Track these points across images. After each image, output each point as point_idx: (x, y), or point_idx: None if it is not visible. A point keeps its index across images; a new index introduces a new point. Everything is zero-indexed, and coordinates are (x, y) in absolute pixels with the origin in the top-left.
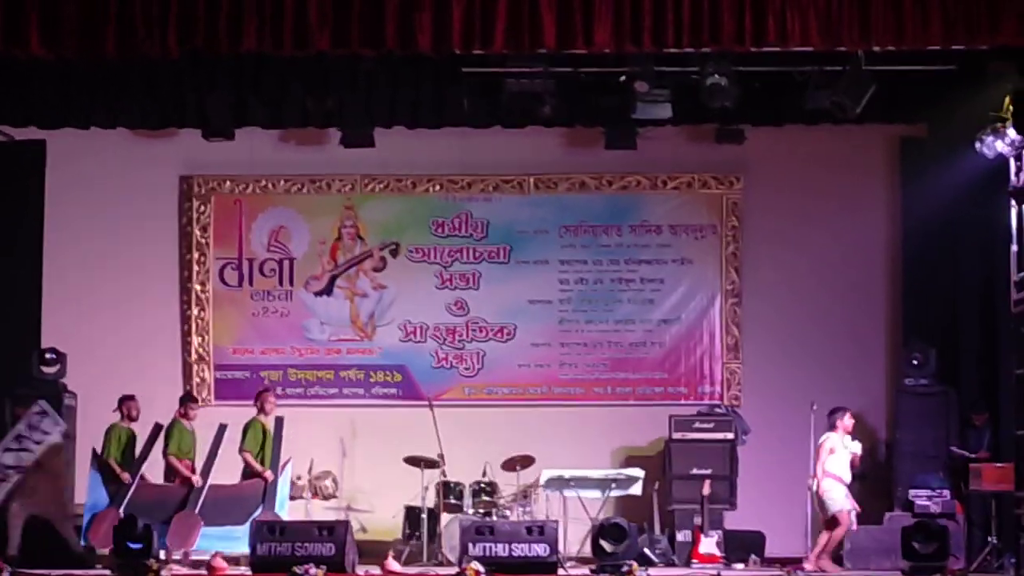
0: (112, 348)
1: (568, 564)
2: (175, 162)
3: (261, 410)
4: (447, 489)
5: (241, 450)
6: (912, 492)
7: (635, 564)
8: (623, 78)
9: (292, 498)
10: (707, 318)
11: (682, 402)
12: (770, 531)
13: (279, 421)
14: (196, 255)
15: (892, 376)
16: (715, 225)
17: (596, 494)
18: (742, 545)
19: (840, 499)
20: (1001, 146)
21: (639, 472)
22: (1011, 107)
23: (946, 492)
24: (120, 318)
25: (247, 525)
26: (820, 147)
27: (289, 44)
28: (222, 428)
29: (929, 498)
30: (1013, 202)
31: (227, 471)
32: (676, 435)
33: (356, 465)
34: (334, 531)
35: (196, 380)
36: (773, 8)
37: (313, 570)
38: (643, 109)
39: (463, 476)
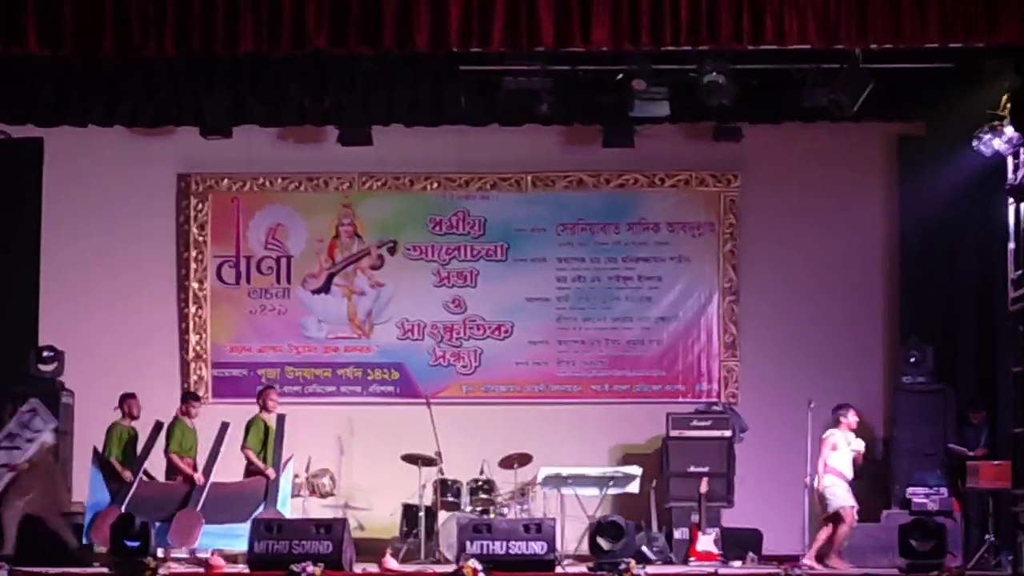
0: (109, 346)
1: (565, 562)
2: (172, 160)
3: (264, 408)
4: (445, 487)
5: (243, 448)
6: (910, 490)
7: (632, 562)
8: (621, 76)
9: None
10: (705, 316)
11: (680, 400)
12: (767, 529)
13: (281, 419)
14: (194, 253)
15: (890, 374)
16: (713, 223)
17: (594, 492)
18: (739, 543)
19: (843, 496)
20: (999, 144)
21: (636, 470)
22: (1008, 105)
23: (943, 490)
24: (117, 316)
25: (249, 523)
26: (818, 145)
27: (287, 43)
28: (224, 426)
29: (927, 496)
30: (1011, 200)
31: (229, 469)
32: (673, 433)
33: (354, 463)
34: (332, 529)
35: (193, 378)
36: (771, 6)
37: (311, 568)
38: (641, 107)
39: (461, 474)
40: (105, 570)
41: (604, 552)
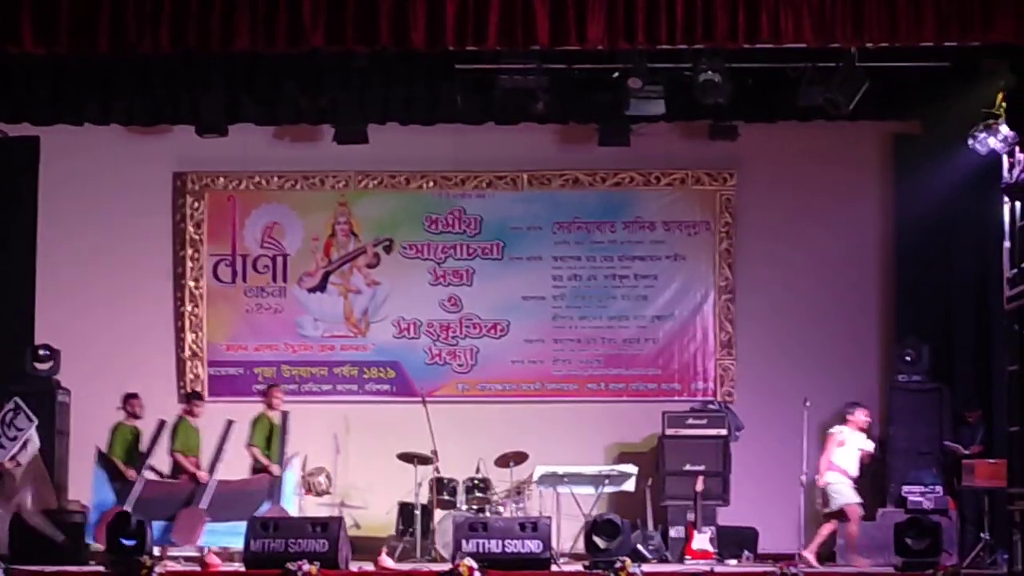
0: (106, 344)
1: (561, 560)
2: (168, 158)
3: (268, 405)
4: (440, 485)
5: (248, 445)
6: (905, 488)
7: (628, 560)
8: (616, 75)
9: None
10: (700, 314)
11: (675, 398)
12: (763, 527)
13: (285, 416)
14: (190, 251)
15: (885, 372)
16: (708, 221)
17: (589, 490)
18: (735, 541)
19: (847, 493)
20: (994, 143)
21: (632, 468)
22: (1004, 104)
23: (939, 488)
24: (113, 314)
25: None
26: (813, 144)
27: (282, 41)
28: (229, 424)
29: (922, 494)
30: (1006, 199)
31: (233, 467)
32: (669, 431)
33: (350, 461)
34: (328, 527)
35: (190, 376)
36: (767, 5)
37: (307, 566)
38: (636, 105)
39: (456, 472)
40: (102, 568)
41: (600, 550)
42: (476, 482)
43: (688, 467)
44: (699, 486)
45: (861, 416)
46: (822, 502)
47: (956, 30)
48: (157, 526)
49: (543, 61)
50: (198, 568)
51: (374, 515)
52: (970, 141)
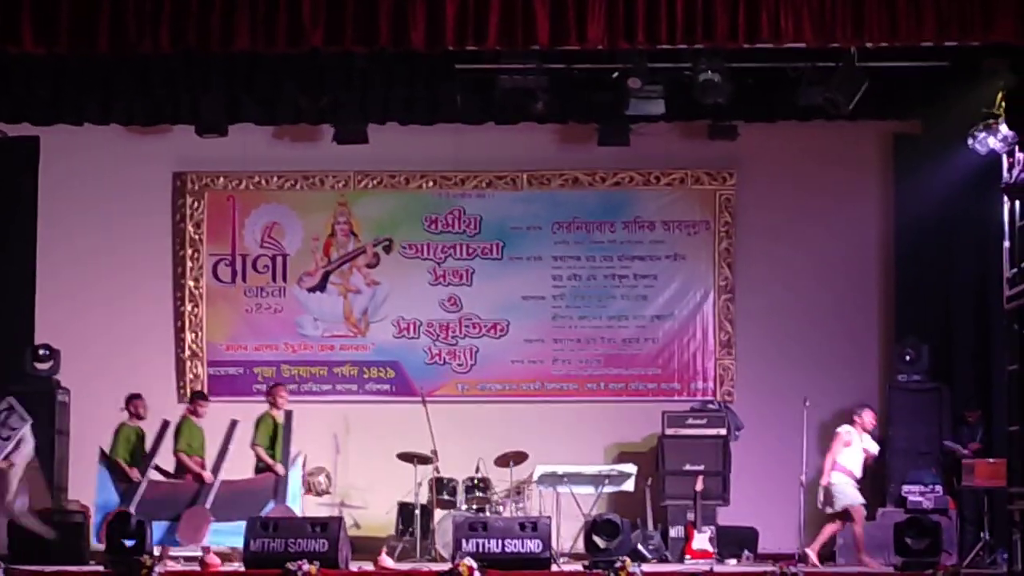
0: (105, 344)
1: (561, 560)
2: (168, 158)
3: (273, 404)
4: (440, 485)
5: (253, 444)
6: (905, 488)
7: (628, 560)
8: (616, 74)
9: None
10: (700, 314)
11: (675, 398)
12: (763, 527)
13: (289, 415)
14: (189, 251)
15: (885, 372)
16: (708, 221)
17: (589, 490)
18: (735, 541)
19: (852, 494)
20: (993, 142)
21: (632, 468)
22: (1003, 104)
23: (939, 488)
24: (113, 314)
25: None
26: (813, 143)
27: (282, 41)
28: (233, 424)
29: (922, 494)
30: (1006, 198)
31: (238, 467)
32: (669, 431)
33: (349, 461)
34: (327, 527)
35: (189, 376)
36: (767, 5)
37: (306, 566)
38: (636, 105)
39: (456, 472)
40: (101, 568)
41: (600, 550)
42: (476, 482)
43: (688, 467)
44: (699, 486)
45: (868, 418)
46: (823, 501)
47: (956, 30)
48: (162, 526)
49: (543, 61)
50: (198, 568)
51: (374, 515)
52: (970, 141)
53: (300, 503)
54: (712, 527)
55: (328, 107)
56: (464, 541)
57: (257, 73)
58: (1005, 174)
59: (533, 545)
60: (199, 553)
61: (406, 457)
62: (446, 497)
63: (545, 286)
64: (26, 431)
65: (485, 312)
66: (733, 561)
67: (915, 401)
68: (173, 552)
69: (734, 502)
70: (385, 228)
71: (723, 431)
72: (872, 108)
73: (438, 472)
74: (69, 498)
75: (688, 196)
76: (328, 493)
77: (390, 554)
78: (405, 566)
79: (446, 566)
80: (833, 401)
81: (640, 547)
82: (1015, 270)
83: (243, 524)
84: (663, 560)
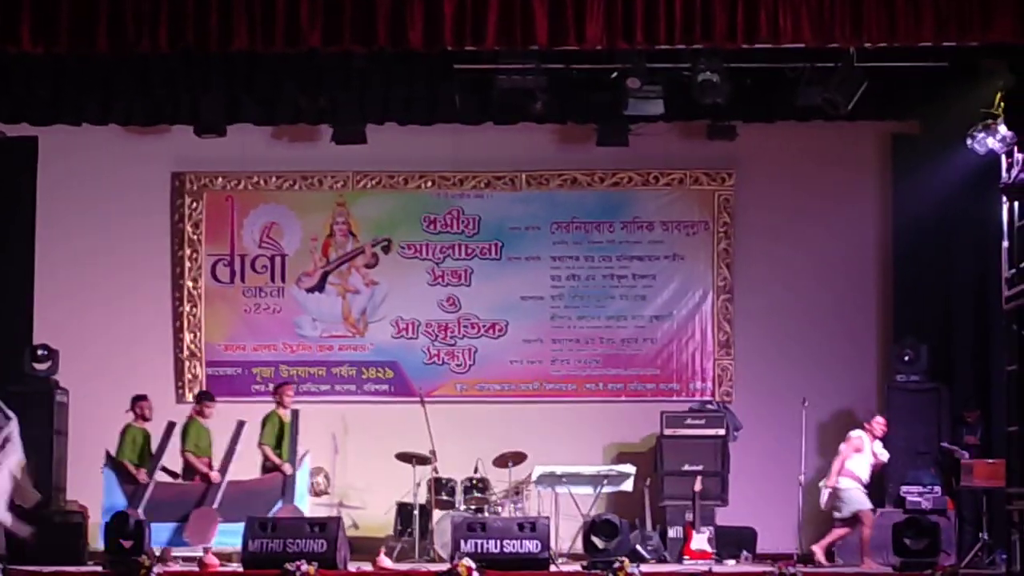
0: (104, 345)
1: (560, 560)
2: (167, 158)
3: (279, 403)
4: (439, 485)
5: (260, 444)
6: (903, 488)
7: (627, 560)
8: (615, 75)
9: None
10: (699, 314)
11: (674, 398)
12: (761, 527)
13: (295, 414)
14: (188, 251)
15: (884, 372)
16: (707, 221)
17: (588, 490)
18: (733, 541)
19: (861, 498)
20: (992, 143)
21: (631, 468)
22: (1002, 104)
23: (937, 488)
24: (112, 314)
25: None
26: (812, 143)
27: (280, 41)
28: (240, 424)
29: (920, 494)
30: (1004, 199)
31: (245, 467)
32: (668, 431)
33: (348, 462)
34: (326, 528)
35: (188, 376)
36: (765, 5)
37: (305, 567)
38: (635, 105)
39: (455, 472)
40: (100, 569)
41: (598, 551)
42: (474, 482)
43: (686, 467)
44: (697, 486)
45: (879, 425)
46: (827, 503)
47: (955, 30)
48: (169, 527)
49: (542, 61)
50: (197, 568)
51: (372, 515)
52: (969, 141)
53: (308, 502)
54: (711, 527)
55: (327, 107)
56: (463, 541)
57: (256, 73)
58: (1004, 174)
59: (532, 545)
60: (198, 553)
61: (405, 457)
62: (445, 497)
63: (544, 286)
64: (13, 430)
65: (484, 312)
66: (732, 561)
67: (914, 401)
68: (174, 552)
69: (733, 502)
70: (384, 228)
71: (722, 431)
72: (871, 108)
73: (437, 472)
74: (68, 498)
75: (687, 196)
76: (327, 493)
77: (388, 554)
78: (404, 566)
79: (445, 566)
80: (832, 401)
81: (639, 547)
82: (1014, 270)
83: None
84: (662, 560)
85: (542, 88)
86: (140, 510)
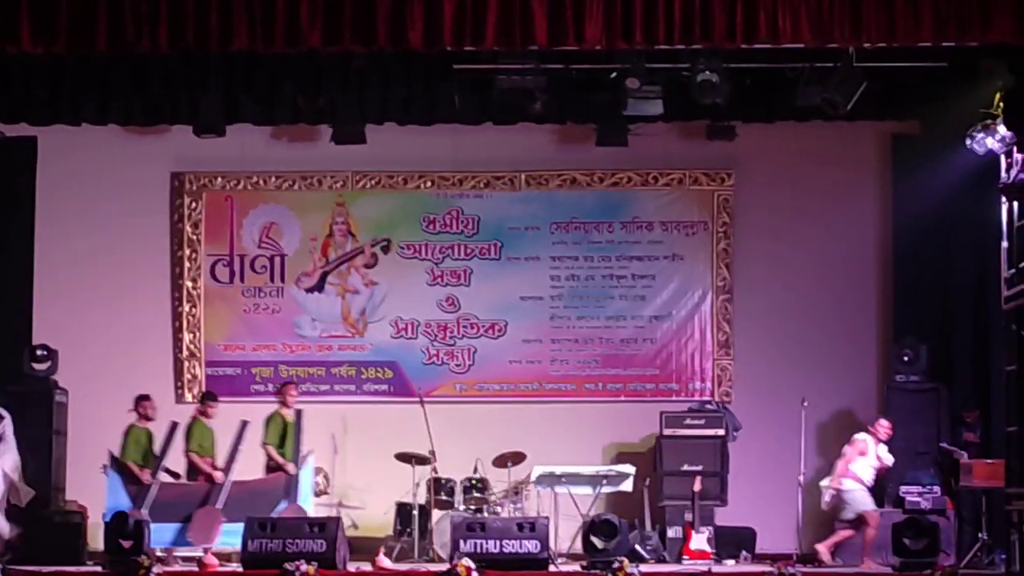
0: (103, 345)
1: (559, 560)
2: (166, 158)
3: (283, 403)
4: (438, 485)
5: (263, 444)
6: (903, 488)
7: (626, 560)
8: (614, 75)
9: None
10: (698, 314)
11: (673, 398)
12: (761, 527)
13: (299, 414)
14: (187, 251)
15: (883, 372)
16: (706, 221)
17: (587, 490)
18: (733, 541)
19: (866, 500)
20: (991, 143)
21: (630, 468)
22: (1001, 104)
23: (937, 488)
24: (111, 315)
25: None
26: (811, 144)
27: (280, 41)
28: (244, 424)
29: (920, 494)
30: (1004, 199)
31: (249, 467)
32: (667, 431)
33: (347, 462)
34: (325, 528)
35: (187, 376)
36: (764, 5)
37: (304, 567)
38: (634, 106)
39: (454, 472)
40: (99, 569)
41: (598, 551)
42: (474, 482)
43: (686, 467)
44: (697, 486)
45: (883, 428)
46: (829, 503)
47: (954, 30)
48: (173, 528)
49: (541, 61)
50: (196, 568)
51: (372, 515)
52: (968, 141)
53: (312, 502)
54: (710, 527)
55: (326, 107)
56: (462, 541)
57: (255, 73)
58: (1003, 174)
59: (531, 545)
60: (198, 553)
61: (404, 457)
62: (444, 497)
63: (543, 286)
64: (6, 428)
65: (483, 312)
66: (731, 561)
67: (913, 401)
68: (174, 553)
69: (732, 502)
70: (383, 228)
71: (721, 431)
72: (870, 108)
73: (436, 472)
74: (67, 498)
75: (686, 196)
76: (326, 493)
77: (388, 554)
78: (403, 566)
79: (444, 566)
80: (831, 401)
81: (638, 547)
82: (1013, 270)
83: None
84: (661, 560)
85: (541, 88)
86: (144, 510)
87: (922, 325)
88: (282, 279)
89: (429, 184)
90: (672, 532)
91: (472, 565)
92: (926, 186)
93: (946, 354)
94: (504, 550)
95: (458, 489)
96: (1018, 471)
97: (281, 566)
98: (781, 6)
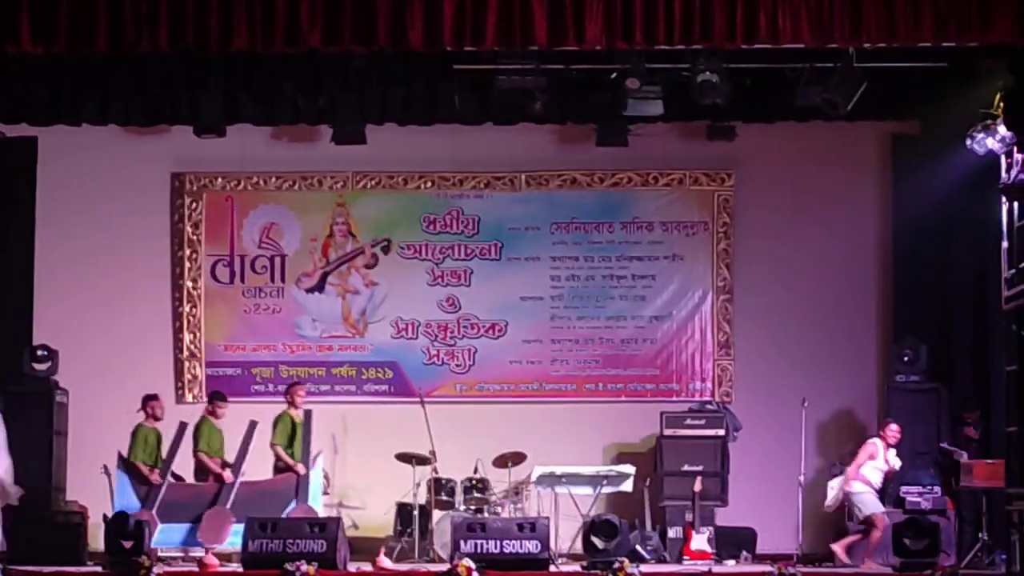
0: (104, 345)
1: (559, 561)
2: (166, 159)
3: (291, 404)
4: (439, 486)
5: (272, 445)
6: (903, 488)
7: (626, 561)
8: (614, 75)
9: None
10: (698, 314)
11: (673, 399)
12: (761, 527)
13: (308, 414)
14: (188, 252)
15: (883, 372)
16: (706, 221)
17: (587, 491)
18: (733, 541)
19: (873, 503)
20: (992, 143)
21: (630, 468)
22: (1002, 104)
23: (937, 488)
24: (112, 315)
25: None
26: (811, 144)
27: (280, 41)
28: (252, 424)
29: (920, 494)
30: (1004, 199)
31: (259, 468)
32: (667, 431)
33: (348, 462)
34: (326, 528)
35: (187, 377)
36: (765, 5)
37: (305, 567)
38: (634, 106)
39: (455, 473)
40: (100, 569)
41: (598, 551)
42: (474, 482)
43: (686, 467)
44: (697, 486)
45: (892, 431)
46: (831, 504)
47: (954, 30)
48: (183, 528)
49: (541, 61)
50: (196, 568)
51: (372, 515)
52: (968, 141)
53: (321, 502)
54: (710, 528)
55: (326, 107)
56: (462, 542)
57: (255, 73)
58: (1003, 175)
59: (531, 546)
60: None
61: (404, 458)
62: (444, 498)
63: (543, 287)
64: None
65: (483, 313)
66: (731, 562)
67: (913, 401)
68: (174, 553)
69: (732, 503)
70: (383, 229)
71: (721, 432)
72: (870, 108)
73: (436, 473)
74: (67, 499)
75: (686, 197)
76: (326, 494)
77: (388, 555)
78: (403, 567)
79: (444, 567)
80: (832, 402)
81: (638, 548)
82: (1013, 270)
83: None
84: (661, 561)
85: (542, 88)
86: (154, 511)
87: (922, 325)
88: (282, 279)
89: (429, 184)
90: (672, 532)
91: (472, 565)
92: (926, 186)
93: (946, 354)
94: (504, 550)
95: (458, 489)
96: (1018, 471)
97: (281, 566)
98: (781, 6)
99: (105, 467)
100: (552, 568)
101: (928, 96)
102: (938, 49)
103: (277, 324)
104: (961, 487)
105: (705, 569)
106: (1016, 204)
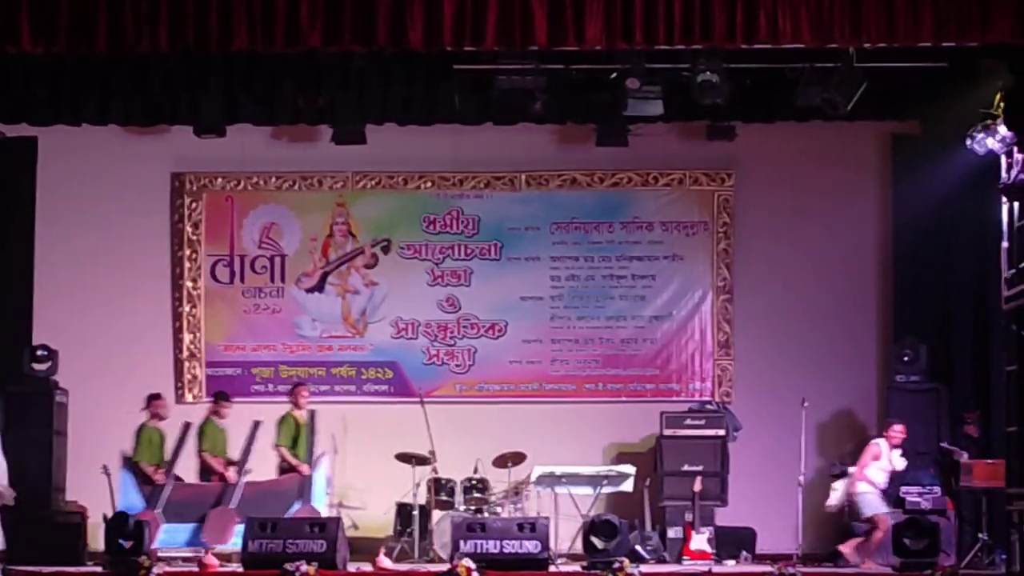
0: (103, 345)
1: (559, 561)
2: (166, 159)
3: (295, 404)
4: (438, 486)
5: (276, 445)
6: (903, 489)
7: (626, 561)
8: (614, 75)
9: None
10: (698, 314)
11: (673, 399)
12: (761, 527)
13: (312, 415)
14: (187, 252)
15: (883, 372)
16: (706, 221)
17: (587, 491)
18: (733, 541)
19: (877, 503)
20: (992, 143)
21: (630, 468)
22: (1002, 104)
23: (937, 489)
24: (111, 315)
25: None
26: (811, 144)
27: (280, 41)
28: (256, 424)
29: (920, 494)
30: (1004, 199)
31: (262, 468)
32: (667, 432)
33: (347, 462)
34: (325, 528)
35: (187, 377)
36: (764, 5)
37: (304, 567)
38: (634, 106)
39: (454, 473)
40: (99, 569)
41: (598, 551)
42: (474, 482)
43: (686, 467)
44: (697, 486)
45: (896, 432)
46: (833, 504)
47: (954, 30)
48: (188, 528)
49: (541, 61)
50: (196, 568)
51: (372, 515)
52: (968, 141)
53: (325, 503)
54: (710, 528)
55: (326, 107)
56: (462, 542)
57: (255, 73)
58: (1003, 175)
59: (531, 546)
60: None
61: (404, 458)
62: (444, 498)
63: (543, 287)
64: None
65: (483, 313)
66: (731, 562)
67: (913, 401)
68: (174, 554)
69: (732, 503)
70: (383, 229)
71: (721, 432)
72: (870, 108)
73: (436, 473)
74: (67, 499)
75: (686, 196)
76: (326, 494)
77: (388, 555)
78: (403, 567)
79: (444, 567)
80: (831, 402)
81: (638, 548)
82: (1013, 270)
83: None
84: (661, 561)
85: (541, 88)
86: (159, 511)
87: (922, 325)
88: (282, 279)
89: (429, 184)
90: (672, 532)
91: (472, 565)
92: (926, 186)
93: (946, 354)
94: (504, 550)
95: (458, 489)
96: (1018, 471)
97: (281, 566)
98: (781, 6)
99: (105, 467)
100: (552, 568)
101: (928, 96)
102: (938, 49)
103: (277, 324)
104: (961, 487)
105: (705, 569)
106: (1016, 204)
